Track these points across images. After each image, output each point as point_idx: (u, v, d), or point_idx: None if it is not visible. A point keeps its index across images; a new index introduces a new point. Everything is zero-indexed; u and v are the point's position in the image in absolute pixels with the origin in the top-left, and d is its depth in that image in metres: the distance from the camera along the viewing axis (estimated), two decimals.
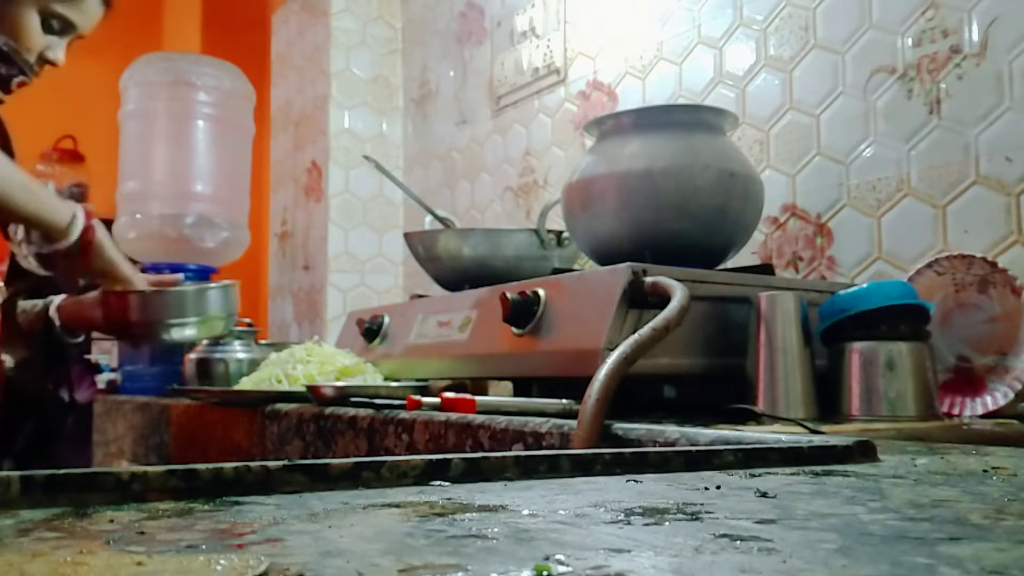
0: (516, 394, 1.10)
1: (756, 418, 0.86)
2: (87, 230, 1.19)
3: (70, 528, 0.31)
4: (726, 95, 1.49)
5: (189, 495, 0.37)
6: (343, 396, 1.13)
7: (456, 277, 1.38)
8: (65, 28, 1.25)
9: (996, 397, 0.97)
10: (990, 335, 1.00)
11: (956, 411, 1.00)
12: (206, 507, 0.35)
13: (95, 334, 1.66)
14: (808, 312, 0.91)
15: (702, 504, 0.36)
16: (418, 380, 1.20)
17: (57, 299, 1.33)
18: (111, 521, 0.32)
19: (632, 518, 0.33)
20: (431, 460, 0.43)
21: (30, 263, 1.32)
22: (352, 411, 1.08)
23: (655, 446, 0.69)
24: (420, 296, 1.48)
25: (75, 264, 1.20)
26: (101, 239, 1.21)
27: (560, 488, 0.41)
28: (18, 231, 1.31)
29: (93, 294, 1.32)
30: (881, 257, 1.24)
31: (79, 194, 2.69)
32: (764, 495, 0.39)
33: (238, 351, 1.71)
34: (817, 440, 0.57)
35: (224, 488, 0.38)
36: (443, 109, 2.30)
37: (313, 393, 1.16)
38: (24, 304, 1.33)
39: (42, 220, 1.15)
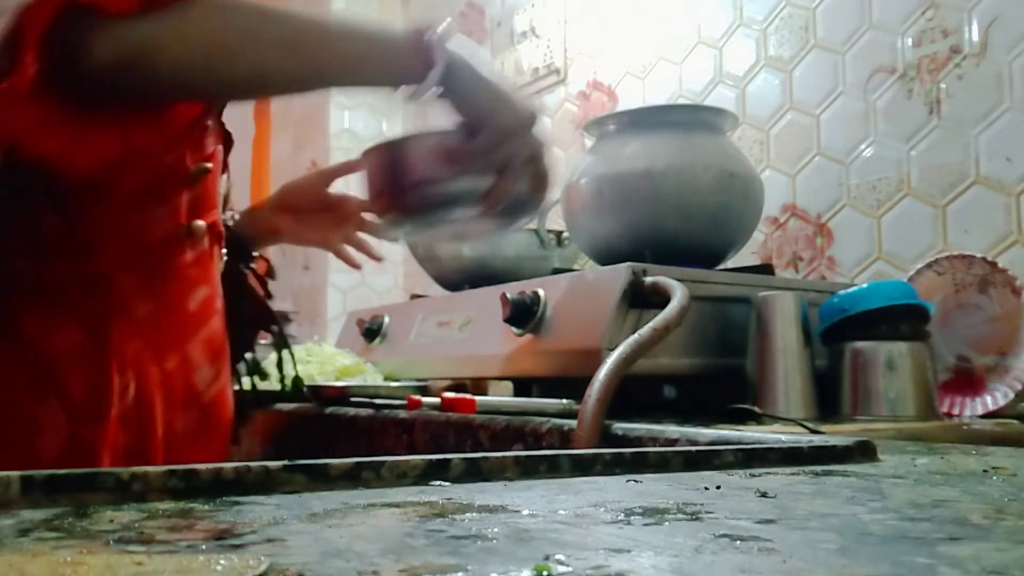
0: (516, 394, 1.09)
1: (756, 418, 0.86)
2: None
3: (70, 528, 0.31)
4: (726, 95, 1.49)
5: (189, 495, 0.37)
6: (343, 396, 1.13)
7: (456, 277, 1.38)
8: None
9: (996, 397, 0.97)
10: (990, 335, 1.00)
11: (956, 411, 1.00)
12: (206, 507, 0.35)
13: None
14: (808, 312, 0.91)
15: (702, 504, 0.36)
16: (418, 380, 1.20)
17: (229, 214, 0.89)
18: (111, 521, 0.32)
19: (632, 518, 0.33)
20: (431, 460, 0.43)
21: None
22: (352, 411, 1.08)
23: (655, 446, 0.69)
24: (420, 296, 1.47)
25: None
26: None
27: (560, 488, 0.41)
28: None
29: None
30: (881, 257, 1.24)
31: None
32: (764, 495, 0.39)
33: None
34: (817, 440, 0.57)
35: (224, 488, 0.38)
36: (443, 109, 2.30)
37: (313, 393, 1.16)
38: None
39: (388, 38, 0.77)
